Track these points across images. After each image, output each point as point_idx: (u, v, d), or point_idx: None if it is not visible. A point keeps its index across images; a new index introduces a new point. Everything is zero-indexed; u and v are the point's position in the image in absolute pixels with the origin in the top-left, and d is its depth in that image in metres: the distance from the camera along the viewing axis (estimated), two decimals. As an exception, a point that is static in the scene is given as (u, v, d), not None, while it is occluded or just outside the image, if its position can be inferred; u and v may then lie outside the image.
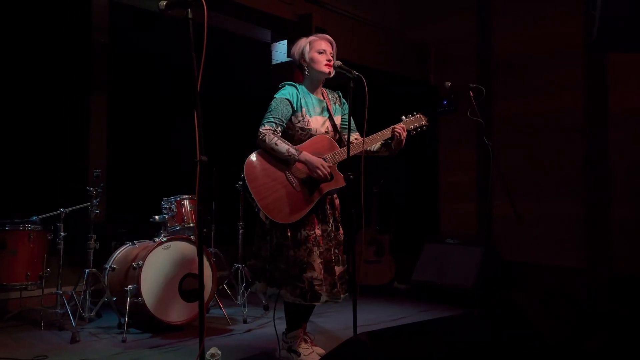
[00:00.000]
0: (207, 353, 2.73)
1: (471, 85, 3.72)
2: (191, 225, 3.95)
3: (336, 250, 2.98)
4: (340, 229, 3.06)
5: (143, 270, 3.59)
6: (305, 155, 2.85)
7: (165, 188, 4.20)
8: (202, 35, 2.21)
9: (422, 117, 3.10)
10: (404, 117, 3.05)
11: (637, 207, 4.96)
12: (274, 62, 6.16)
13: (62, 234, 3.76)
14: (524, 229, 4.86)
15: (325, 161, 2.88)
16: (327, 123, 3.04)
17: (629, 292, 4.60)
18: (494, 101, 5.71)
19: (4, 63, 4.35)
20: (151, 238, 3.93)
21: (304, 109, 2.95)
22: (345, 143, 2.96)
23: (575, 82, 5.35)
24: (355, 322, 2.67)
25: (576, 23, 5.32)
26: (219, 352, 2.75)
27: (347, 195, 3.01)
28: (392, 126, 2.98)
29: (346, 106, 3.14)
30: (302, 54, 3.01)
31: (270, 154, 2.87)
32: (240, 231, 4.42)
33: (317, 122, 2.99)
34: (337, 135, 3.06)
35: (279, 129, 2.90)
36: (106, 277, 3.85)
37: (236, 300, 4.34)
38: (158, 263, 3.69)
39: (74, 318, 3.60)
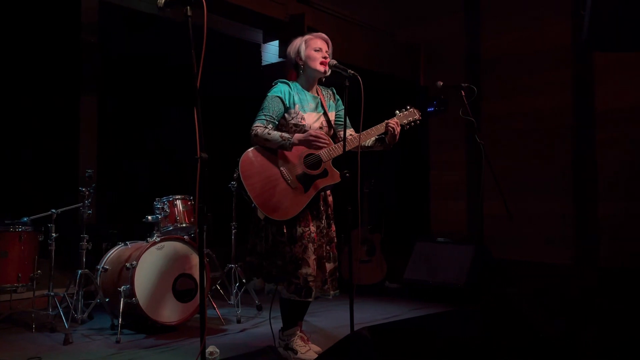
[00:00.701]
0: (206, 351, 2.73)
1: (463, 84, 3.76)
2: (184, 225, 3.94)
3: (328, 247, 3.01)
4: (333, 225, 3.08)
5: (137, 270, 3.57)
6: (298, 135, 2.87)
7: (156, 189, 4.19)
8: (196, 35, 2.21)
9: (415, 111, 3.13)
10: (397, 112, 3.08)
11: (623, 205, 5.04)
12: (264, 63, 6.17)
13: (53, 235, 3.72)
14: (513, 227, 4.91)
15: (321, 157, 2.89)
16: (322, 119, 3.06)
17: (616, 286, 4.68)
18: (483, 101, 5.77)
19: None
20: (143, 239, 3.91)
21: (297, 106, 2.97)
22: (340, 139, 2.99)
23: (563, 81, 5.43)
24: (352, 319, 2.68)
25: (564, 23, 5.40)
26: (217, 350, 2.75)
27: (341, 193, 3.03)
28: (386, 121, 3.01)
29: (340, 102, 3.17)
30: (298, 52, 3.02)
31: (265, 149, 2.88)
32: (233, 231, 4.41)
33: (311, 118, 3.00)
34: (332, 131, 3.08)
35: (270, 126, 2.91)
36: (98, 278, 3.82)
37: (229, 300, 4.33)
38: (152, 263, 3.67)
39: (66, 320, 3.57)
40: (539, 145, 5.56)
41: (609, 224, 5.09)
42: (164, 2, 2.17)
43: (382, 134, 3.02)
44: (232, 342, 3.45)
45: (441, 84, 3.88)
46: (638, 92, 4.99)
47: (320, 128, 3.02)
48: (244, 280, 4.13)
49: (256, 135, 2.86)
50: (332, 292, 2.99)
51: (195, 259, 3.84)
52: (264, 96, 3.02)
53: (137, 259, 3.60)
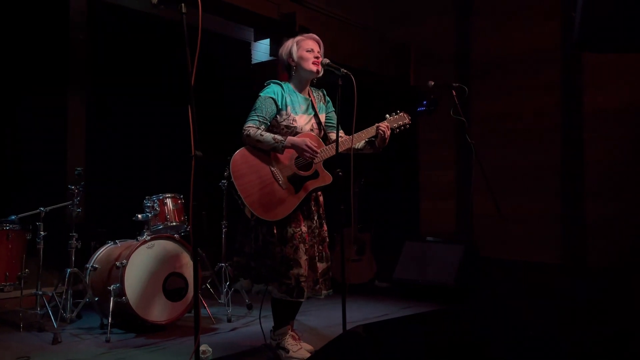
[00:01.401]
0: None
1: (454, 84, 3.79)
2: (174, 224, 3.92)
3: (320, 247, 3.01)
4: (324, 225, 3.08)
5: (127, 269, 3.55)
6: (291, 139, 2.86)
7: (146, 187, 4.16)
8: (185, 34, 2.21)
9: (405, 115, 3.16)
10: (387, 116, 3.10)
11: (609, 205, 5.11)
12: (253, 61, 6.15)
13: (41, 233, 3.68)
14: (502, 226, 4.96)
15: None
16: (313, 121, 3.05)
17: (604, 285, 4.74)
18: (473, 101, 5.81)
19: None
20: (132, 237, 3.88)
21: (289, 107, 2.96)
22: (330, 141, 3.00)
23: (551, 82, 5.49)
24: (344, 317, 2.69)
25: (554, 24, 5.45)
26: (210, 349, 2.74)
27: (333, 192, 3.03)
28: (377, 124, 3.03)
29: (330, 104, 3.17)
30: (290, 53, 3.02)
31: (256, 149, 2.87)
32: (224, 230, 4.39)
33: (302, 120, 3.00)
34: (322, 133, 3.08)
35: (262, 127, 2.90)
36: (88, 277, 3.79)
37: (219, 299, 4.31)
38: (142, 262, 3.65)
39: (55, 319, 3.53)
40: (527, 145, 5.61)
41: (597, 224, 5.15)
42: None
43: (372, 137, 3.03)
44: (223, 341, 3.44)
45: (432, 83, 3.91)
46: (626, 92, 5.06)
47: (311, 130, 3.02)
48: (234, 278, 4.12)
49: (248, 135, 2.85)
50: (324, 292, 2.99)
51: (185, 257, 3.83)
52: (253, 94, 3.01)
53: (128, 258, 3.57)
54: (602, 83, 5.18)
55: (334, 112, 3.15)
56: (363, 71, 5.91)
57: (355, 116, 2.78)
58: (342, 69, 2.82)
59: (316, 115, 3.07)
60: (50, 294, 3.75)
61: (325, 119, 3.14)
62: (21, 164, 4.47)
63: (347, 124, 2.91)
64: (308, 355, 3.00)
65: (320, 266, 2.99)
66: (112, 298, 3.51)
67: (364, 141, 3.06)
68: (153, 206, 3.89)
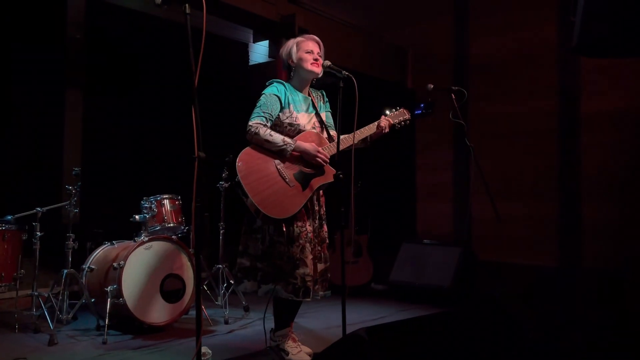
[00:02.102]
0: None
1: (453, 87, 3.80)
2: (171, 225, 3.90)
3: (319, 248, 3.01)
4: (325, 226, 3.08)
5: (124, 270, 3.52)
6: (300, 144, 2.88)
7: (143, 188, 4.13)
8: (185, 35, 2.20)
9: (405, 111, 3.22)
10: (387, 112, 3.13)
11: (606, 208, 5.13)
12: (251, 62, 6.15)
13: (38, 234, 3.66)
14: (499, 228, 4.97)
15: None
16: (314, 119, 3.07)
17: (600, 287, 4.76)
18: (470, 103, 5.82)
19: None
20: (129, 238, 3.86)
21: (291, 106, 2.98)
22: (331, 140, 3.01)
23: (549, 85, 5.51)
24: (344, 320, 2.68)
25: (551, 28, 5.48)
26: (210, 351, 2.73)
27: (332, 193, 3.03)
28: (377, 121, 3.09)
29: (328, 105, 3.22)
30: (290, 54, 3.04)
31: (262, 148, 2.86)
32: (221, 231, 4.37)
33: (304, 118, 3.01)
34: (324, 132, 3.09)
35: (269, 123, 2.91)
36: (84, 278, 3.76)
37: (216, 301, 4.29)
38: (139, 263, 3.63)
39: (51, 320, 3.50)
40: (524, 148, 5.63)
41: (594, 226, 5.18)
42: (162, -1, 2.14)
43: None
44: (220, 343, 3.42)
45: (432, 86, 3.92)
46: (622, 96, 5.09)
47: (313, 128, 3.04)
48: (232, 282, 4.11)
49: (257, 134, 2.84)
50: (321, 293, 2.98)
51: (183, 259, 3.81)
52: (250, 96, 3.02)
53: (125, 259, 3.55)
54: (599, 87, 5.20)
55: (329, 113, 3.20)
56: (360, 73, 5.91)
57: (357, 118, 2.79)
58: (344, 71, 2.84)
59: (317, 114, 3.09)
60: (46, 295, 3.72)
61: (325, 119, 3.16)
62: (18, 163, 4.43)
63: (347, 125, 2.92)
64: (308, 358, 3.00)
65: (320, 267, 2.99)
66: (109, 299, 3.48)
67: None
68: (150, 207, 3.87)
